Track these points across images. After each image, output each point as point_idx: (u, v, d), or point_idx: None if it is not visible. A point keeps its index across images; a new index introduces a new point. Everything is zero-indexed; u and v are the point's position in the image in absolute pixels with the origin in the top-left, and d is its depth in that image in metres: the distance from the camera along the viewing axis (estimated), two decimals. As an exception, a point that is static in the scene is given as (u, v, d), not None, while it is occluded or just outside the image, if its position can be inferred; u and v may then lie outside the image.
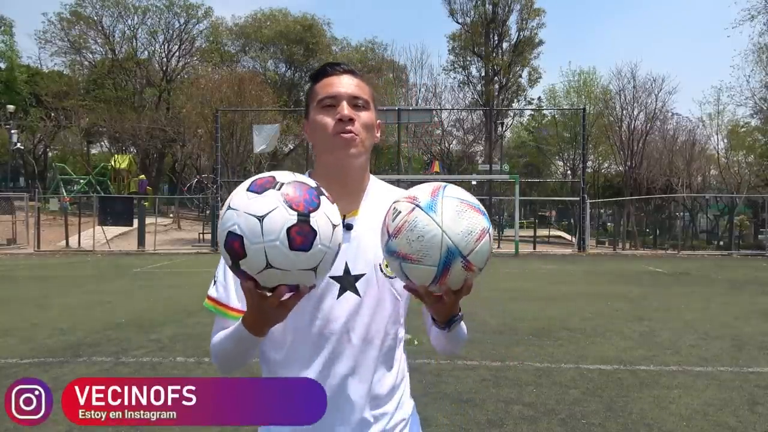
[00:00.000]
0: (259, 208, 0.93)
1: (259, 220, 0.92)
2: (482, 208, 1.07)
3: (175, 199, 31.78)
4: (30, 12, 74.50)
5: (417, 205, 1.02)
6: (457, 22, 36.15)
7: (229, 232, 0.94)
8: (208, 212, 24.53)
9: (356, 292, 1.21)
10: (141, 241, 20.96)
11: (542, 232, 29.08)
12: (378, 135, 1.30)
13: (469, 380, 4.52)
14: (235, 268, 0.96)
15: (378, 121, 1.30)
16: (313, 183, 1.01)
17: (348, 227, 1.22)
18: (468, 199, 1.05)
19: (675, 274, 13.50)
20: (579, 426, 3.66)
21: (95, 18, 37.27)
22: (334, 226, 0.99)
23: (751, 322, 7.16)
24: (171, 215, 31.07)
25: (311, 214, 0.94)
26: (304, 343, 1.20)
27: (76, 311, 7.80)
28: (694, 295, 9.75)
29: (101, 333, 6.33)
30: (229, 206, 0.96)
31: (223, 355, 1.18)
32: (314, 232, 0.94)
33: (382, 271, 1.23)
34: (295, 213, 0.93)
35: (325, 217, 0.97)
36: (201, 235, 23.76)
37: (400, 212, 1.04)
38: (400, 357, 1.32)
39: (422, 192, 1.05)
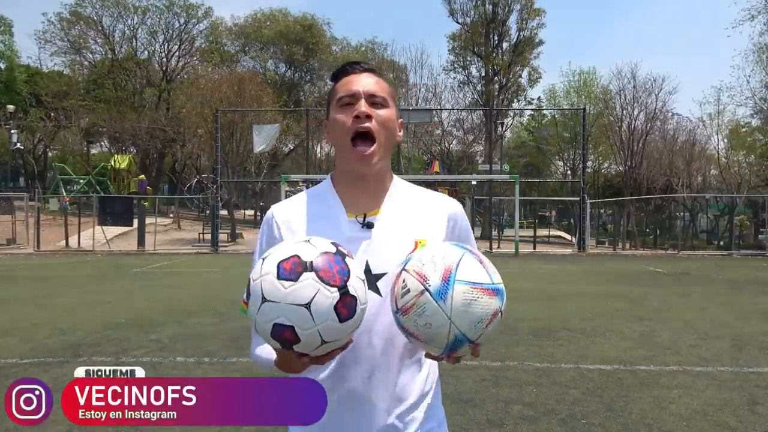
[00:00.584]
0: (301, 296, 0.95)
1: (307, 307, 0.95)
2: (497, 284, 1.03)
3: (175, 199, 31.78)
4: (30, 12, 74.53)
5: (427, 289, 1.00)
6: (457, 22, 36.13)
7: (275, 324, 0.97)
8: (208, 212, 24.52)
9: (377, 291, 1.19)
10: (141, 241, 20.96)
11: (542, 232, 29.08)
12: (400, 134, 1.29)
13: (469, 380, 4.52)
14: (288, 349, 1.00)
15: (399, 120, 1.29)
16: (332, 247, 1.03)
17: (369, 226, 1.22)
18: (481, 282, 1.02)
19: (675, 274, 13.49)
20: (579, 426, 3.66)
21: (95, 18, 37.28)
22: (363, 281, 1.04)
23: (751, 322, 7.16)
24: (171, 215, 31.08)
25: (348, 284, 0.98)
26: None
27: (76, 311, 7.80)
28: (694, 295, 9.75)
29: (101, 333, 6.33)
30: (263, 299, 0.97)
31: (257, 363, 1.24)
32: (355, 299, 0.99)
33: None
34: (336, 289, 0.97)
35: (357, 279, 1.01)
36: (201, 235, 23.74)
37: (409, 291, 1.02)
38: (429, 362, 1.28)
39: (434, 272, 1.02)
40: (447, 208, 1.30)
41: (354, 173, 1.24)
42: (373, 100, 1.22)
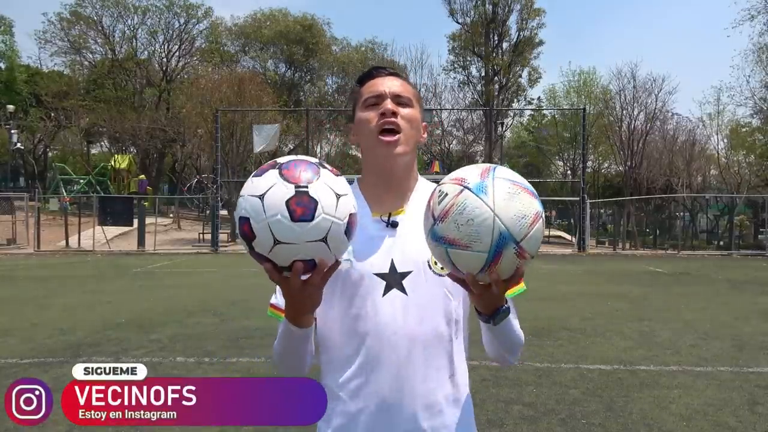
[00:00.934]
0: (259, 187, 0.96)
1: (260, 198, 0.95)
2: (534, 191, 1.00)
3: (175, 199, 31.79)
4: (30, 12, 74.53)
5: (466, 187, 0.96)
6: (457, 22, 36.17)
7: (240, 217, 0.97)
8: (208, 212, 24.52)
9: (403, 290, 1.17)
10: (141, 241, 20.96)
11: (542, 232, 28.98)
12: (424, 135, 1.29)
13: (468, 380, 4.51)
14: (252, 251, 0.98)
15: (424, 123, 1.30)
16: (314, 159, 1.02)
17: (393, 224, 1.22)
18: (520, 181, 0.99)
19: (675, 274, 13.49)
20: (579, 426, 3.66)
21: (95, 18, 37.30)
22: (338, 195, 0.98)
23: (751, 322, 7.16)
24: (171, 215, 31.09)
25: (309, 185, 0.96)
26: (347, 344, 1.18)
27: (76, 311, 7.80)
28: (694, 295, 9.75)
29: (101, 333, 6.33)
30: (241, 195, 0.99)
31: (278, 355, 1.17)
32: (315, 202, 0.95)
33: (431, 268, 1.18)
34: (293, 185, 0.95)
35: (326, 187, 0.97)
36: (201, 235, 23.76)
37: (446, 195, 0.98)
38: (461, 367, 1.25)
39: (471, 173, 0.99)
40: None
41: (379, 170, 1.25)
42: (399, 100, 1.23)
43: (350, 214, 1.00)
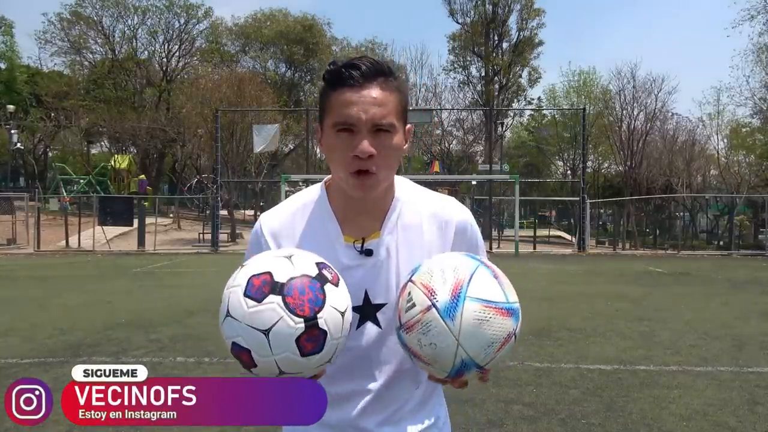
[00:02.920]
0: (261, 321, 0.87)
1: (265, 334, 0.87)
2: (512, 303, 0.94)
3: (175, 199, 31.79)
4: (30, 12, 74.56)
5: (434, 305, 0.91)
6: (457, 22, 36.17)
7: (234, 343, 0.90)
8: (208, 212, 24.52)
9: (377, 323, 1.12)
10: (141, 241, 20.96)
11: (542, 232, 29.08)
12: (406, 146, 1.12)
13: (468, 380, 4.51)
14: (247, 370, 0.94)
15: (408, 126, 1.13)
16: (314, 269, 0.92)
17: (368, 253, 1.12)
18: (495, 300, 0.92)
19: (675, 274, 13.49)
20: (579, 426, 3.66)
21: (95, 18, 37.26)
22: (342, 314, 0.92)
23: (751, 322, 7.16)
24: (171, 215, 31.06)
25: (318, 316, 0.88)
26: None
27: (76, 311, 7.80)
28: (694, 295, 9.75)
29: (101, 333, 6.33)
30: (227, 313, 0.90)
31: None
32: (324, 333, 0.89)
33: None
34: (302, 320, 0.87)
35: (332, 310, 0.91)
36: (201, 235, 23.75)
37: (414, 305, 0.93)
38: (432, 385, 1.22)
39: (443, 285, 0.92)
40: (455, 217, 1.18)
41: (349, 197, 1.12)
42: (379, 127, 1.03)
43: (350, 326, 0.97)
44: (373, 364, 1.14)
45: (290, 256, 0.94)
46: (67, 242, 20.84)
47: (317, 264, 0.95)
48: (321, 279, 0.92)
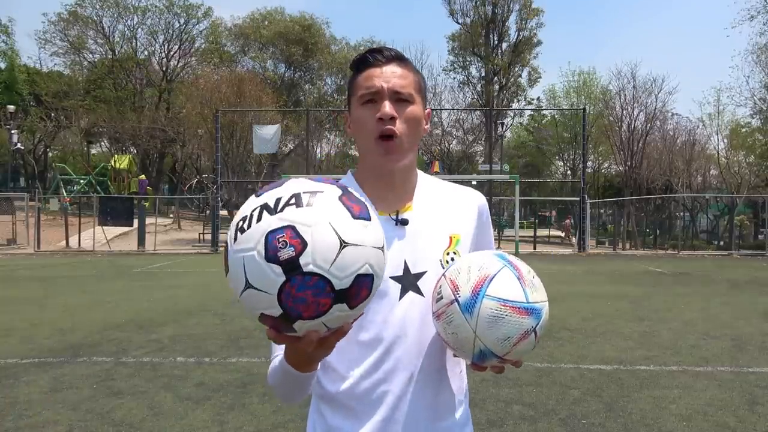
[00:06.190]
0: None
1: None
2: (532, 303, 0.98)
3: (175, 199, 31.81)
4: (30, 12, 74.54)
5: (456, 300, 0.99)
6: (457, 23, 36.19)
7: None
8: (208, 212, 24.52)
9: (419, 292, 1.12)
10: (141, 241, 20.96)
11: (542, 232, 29.08)
12: (427, 126, 1.20)
13: (469, 380, 4.50)
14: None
15: (428, 110, 1.22)
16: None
17: (403, 222, 1.15)
18: (513, 300, 0.97)
19: (675, 274, 13.49)
20: (579, 426, 3.66)
21: (95, 18, 37.34)
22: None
23: (751, 322, 7.16)
24: (171, 215, 31.09)
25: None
26: (364, 354, 1.11)
27: (76, 311, 7.80)
28: (694, 295, 9.74)
29: (101, 333, 6.33)
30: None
31: (278, 388, 1.07)
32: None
33: (444, 266, 1.13)
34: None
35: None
36: (201, 236, 23.76)
37: (441, 298, 1.02)
38: (463, 370, 1.23)
39: (466, 283, 0.99)
40: (476, 200, 1.26)
41: (379, 173, 1.18)
42: (399, 97, 1.13)
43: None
44: (414, 336, 1.12)
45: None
46: (67, 242, 20.85)
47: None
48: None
